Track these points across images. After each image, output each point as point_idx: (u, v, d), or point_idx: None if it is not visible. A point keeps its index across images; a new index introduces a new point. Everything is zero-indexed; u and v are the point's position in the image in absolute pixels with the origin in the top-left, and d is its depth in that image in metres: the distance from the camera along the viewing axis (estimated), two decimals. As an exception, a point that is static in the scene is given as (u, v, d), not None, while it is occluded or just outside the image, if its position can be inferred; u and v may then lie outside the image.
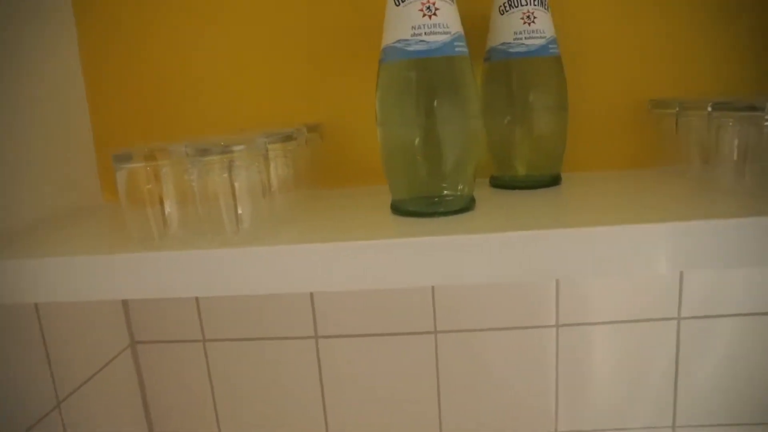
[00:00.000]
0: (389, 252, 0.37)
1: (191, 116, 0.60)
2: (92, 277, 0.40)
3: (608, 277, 0.60)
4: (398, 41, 0.40)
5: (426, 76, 0.40)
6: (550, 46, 0.48)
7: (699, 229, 0.35)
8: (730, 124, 0.42)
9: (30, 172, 0.52)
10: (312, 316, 0.64)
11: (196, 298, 0.65)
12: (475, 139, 0.42)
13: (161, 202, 0.41)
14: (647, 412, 0.64)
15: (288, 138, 0.45)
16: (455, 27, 0.40)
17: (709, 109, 0.44)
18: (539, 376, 0.64)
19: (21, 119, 0.52)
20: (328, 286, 0.38)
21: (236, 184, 0.39)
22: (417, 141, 0.41)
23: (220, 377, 0.67)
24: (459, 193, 0.43)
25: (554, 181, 0.52)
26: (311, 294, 0.63)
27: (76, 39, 0.60)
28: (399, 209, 0.44)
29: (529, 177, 0.51)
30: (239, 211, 0.40)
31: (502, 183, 0.52)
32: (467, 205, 0.43)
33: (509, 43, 0.48)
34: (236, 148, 0.38)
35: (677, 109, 0.49)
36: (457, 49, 0.40)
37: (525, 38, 0.47)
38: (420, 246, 0.37)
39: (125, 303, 0.66)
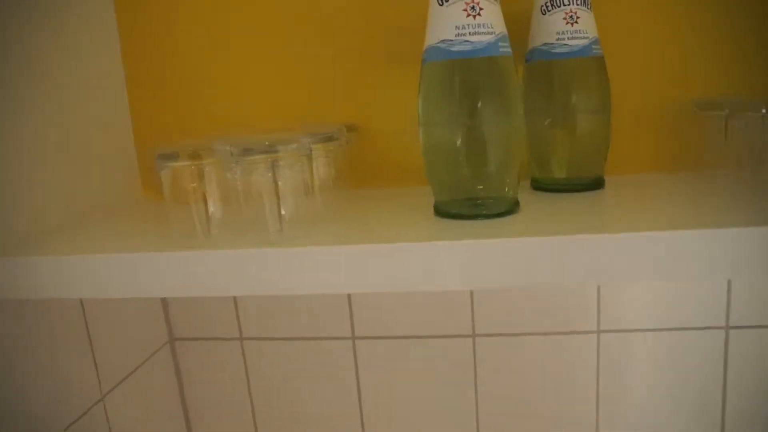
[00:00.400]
0: (432, 254, 0.37)
1: (230, 114, 0.61)
2: (136, 274, 0.41)
3: (652, 283, 0.59)
4: (442, 41, 0.39)
5: (470, 76, 0.40)
6: (593, 46, 0.47)
7: (750, 236, 0.34)
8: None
9: (72, 169, 0.54)
10: (349, 317, 0.64)
11: (234, 296, 0.66)
12: (520, 141, 0.42)
13: (205, 201, 0.42)
14: (691, 423, 0.62)
15: (330, 138, 0.45)
16: (499, 27, 0.40)
17: (764, 111, 0.42)
18: (579, 383, 0.62)
19: (63, 116, 0.53)
20: (372, 288, 0.38)
21: (280, 184, 0.39)
22: (460, 142, 0.40)
23: (257, 375, 0.68)
24: (503, 196, 0.42)
25: (597, 183, 0.51)
26: (348, 295, 0.63)
27: (118, 35, 0.62)
28: (441, 211, 0.43)
29: (571, 180, 0.50)
30: (282, 211, 0.40)
31: (543, 185, 0.51)
32: (511, 208, 0.43)
33: (551, 43, 0.47)
34: (281, 147, 0.39)
35: (727, 111, 0.48)
36: (501, 49, 0.40)
37: (568, 38, 0.47)
38: (463, 249, 0.36)
39: (164, 300, 0.67)
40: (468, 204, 0.42)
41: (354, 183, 0.56)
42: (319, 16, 0.58)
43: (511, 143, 0.41)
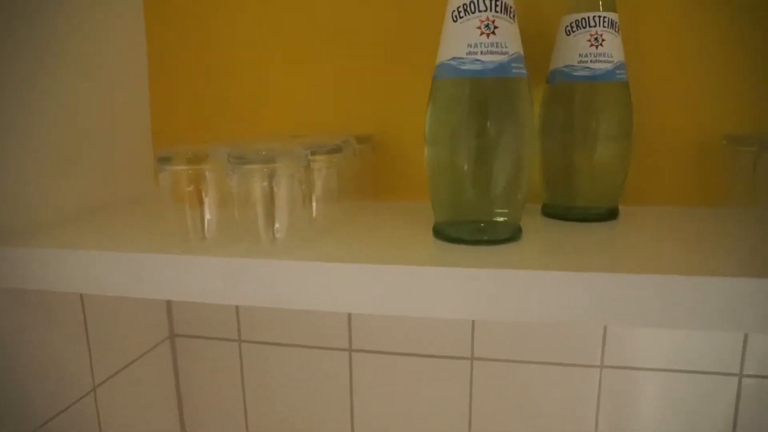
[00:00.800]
0: (425, 279, 0.35)
1: (248, 118, 0.61)
2: (130, 274, 0.40)
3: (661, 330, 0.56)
4: (453, 59, 0.38)
5: (478, 96, 0.38)
6: (618, 71, 0.45)
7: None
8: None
9: (88, 161, 0.54)
10: (348, 329, 0.63)
11: (236, 298, 0.65)
12: (527, 166, 0.40)
13: (201, 206, 0.41)
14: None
15: (334, 150, 0.44)
16: (514, 47, 0.38)
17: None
18: (577, 417, 0.60)
19: (84, 108, 0.53)
20: (361, 308, 0.37)
21: (275, 194, 0.38)
22: (464, 163, 0.39)
23: (253, 378, 0.67)
24: (505, 221, 0.40)
25: (611, 214, 0.48)
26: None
27: (144, 33, 0.62)
28: (441, 233, 0.42)
29: (585, 208, 0.48)
30: (276, 223, 0.39)
31: (554, 213, 0.49)
32: (513, 235, 0.41)
33: (573, 65, 0.45)
34: (278, 158, 0.38)
35: (757, 147, 0.45)
36: (514, 70, 0.38)
37: (591, 61, 0.45)
38: (459, 276, 0.35)
39: (168, 295, 0.67)
40: (469, 228, 0.40)
41: (365, 194, 0.55)
42: (344, 27, 0.57)
43: (518, 168, 0.39)
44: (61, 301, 0.51)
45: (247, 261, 0.38)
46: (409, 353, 0.62)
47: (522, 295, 0.34)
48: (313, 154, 0.41)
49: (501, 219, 0.40)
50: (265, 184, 0.38)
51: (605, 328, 0.57)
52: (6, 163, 0.45)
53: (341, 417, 0.66)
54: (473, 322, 0.60)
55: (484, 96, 0.38)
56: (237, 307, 0.65)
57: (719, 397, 0.57)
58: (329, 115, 0.59)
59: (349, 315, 0.63)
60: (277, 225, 0.39)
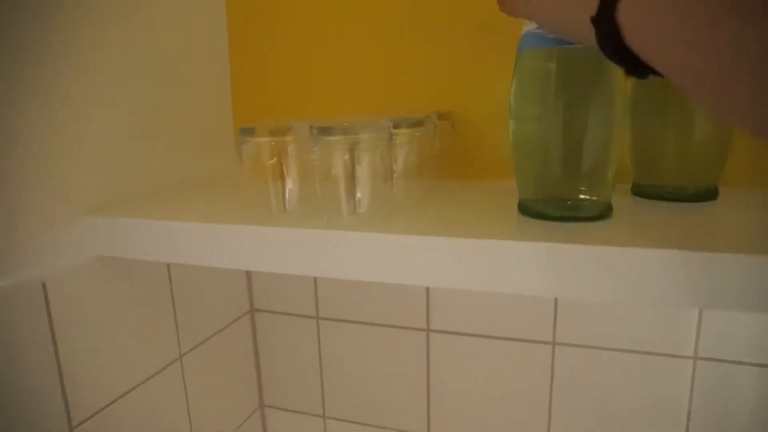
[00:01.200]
0: (512, 254, 0.34)
1: (327, 96, 0.61)
2: (213, 244, 0.41)
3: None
4: (538, 27, 0.36)
5: (566, 67, 0.36)
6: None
7: None
8: None
9: (175, 139, 0.56)
10: (426, 309, 0.62)
11: (315, 277, 0.66)
12: (618, 142, 0.38)
13: (283, 178, 0.42)
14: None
15: (416, 124, 0.43)
16: None
17: None
18: (668, 407, 0.57)
19: (170, 88, 0.55)
20: (444, 283, 0.36)
21: (357, 167, 0.38)
22: (552, 138, 0.37)
23: (330, 354, 0.68)
24: (595, 199, 0.38)
25: (709, 195, 0.45)
26: (427, 287, 0.62)
27: (225, 12, 0.63)
28: (527, 209, 0.40)
29: (679, 188, 0.45)
30: (357, 195, 0.39)
31: (646, 192, 0.47)
32: (604, 213, 0.39)
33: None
34: (360, 130, 0.38)
35: None
36: None
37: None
38: (543, 251, 0.34)
39: (248, 272, 0.69)
40: (556, 205, 0.39)
41: (443, 173, 0.54)
42: (422, 3, 0.56)
43: (607, 143, 0.37)
44: (150, 273, 0.54)
45: (328, 233, 0.38)
46: (489, 335, 0.61)
47: (611, 273, 0.33)
48: (395, 127, 0.41)
49: (588, 196, 0.38)
50: (347, 156, 0.38)
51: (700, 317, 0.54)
52: (98, 139, 0.48)
53: (417, 395, 0.65)
54: (556, 307, 0.57)
55: (571, 67, 0.36)
56: (316, 284, 0.66)
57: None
58: (406, 92, 0.58)
59: (428, 294, 0.62)
60: (358, 197, 0.39)
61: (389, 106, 0.59)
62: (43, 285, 0.43)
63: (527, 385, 0.61)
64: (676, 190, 0.45)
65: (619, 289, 0.33)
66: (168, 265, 0.55)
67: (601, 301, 0.33)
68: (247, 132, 0.40)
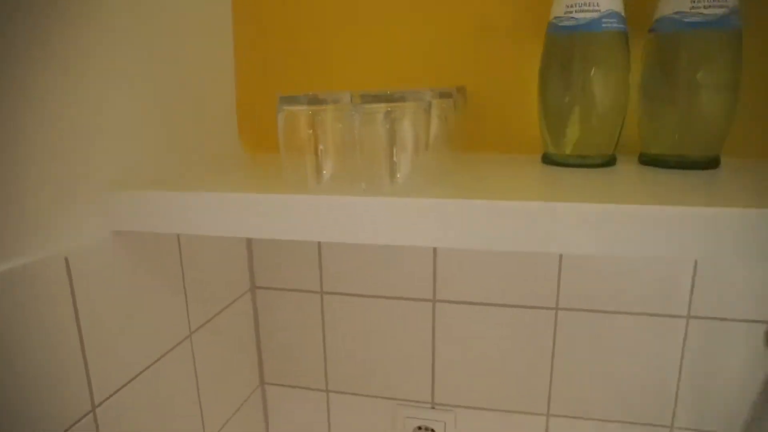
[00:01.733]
0: (548, 216, 0.36)
1: (339, 73, 0.61)
2: (248, 216, 0.41)
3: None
4: (555, 17, 0.47)
5: (570, 49, 0.47)
6: (732, 17, 0.44)
7: None
8: None
9: (176, 123, 0.55)
10: (432, 280, 0.64)
11: (319, 250, 0.67)
12: (618, 106, 0.48)
13: (318, 147, 0.42)
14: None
15: (447, 95, 0.44)
16: (606, 5, 0.45)
17: None
18: (663, 367, 0.61)
19: (172, 64, 0.54)
20: (484, 245, 0.38)
21: (397, 135, 0.39)
22: (560, 106, 0.48)
23: (333, 329, 0.69)
24: (599, 152, 0.50)
25: (711, 163, 0.48)
26: (434, 256, 0.63)
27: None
28: (549, 159, 0.51)
29: (682, 156, 0.48)
30: (396, 161, 0.40)
31: (651, 160, 0.50)
32: (608, 161, 0.50)
33: (683, 12, 0.45)
34: (401, 99, 0.38)
35: None
36: (603, 25, 0.45)
37: (704, 7, 0.44)
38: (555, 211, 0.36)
39: (249, 248, 0.69)
40: (571, 156, 0.50)
41: (459, 145, 0.56)
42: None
43: (608, 109, 0.48)
44: (163, 249, 0.53)
45: (368, 200, 0.39)
46: (493, 303, 0.63)
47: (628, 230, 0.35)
48: (432, 98, 0.42)
49: (596, 151, 0.49)
50: (388, 126, 0.39)
51: (694, 276, 0.58)
52: (118, 118, 0.47)
53: (422, 367, 0.67)
54: (560, 270, 0.60)
55: (574, 48, 0.47)
56: (320, 257, 0.67)
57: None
58: (422, 68, 0.59)
59: (435, 265, 0.63)
60: (397, 162, 0.40)
61: (402, 80, 0.59)
62: (66, 260, 0.42)
63: (531, 351, 0.63)
64: (678, 159, 0.48)
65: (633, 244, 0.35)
66: (179, 241, 0.55)
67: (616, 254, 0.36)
68: (285, 101, 0.40)
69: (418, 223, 0.38)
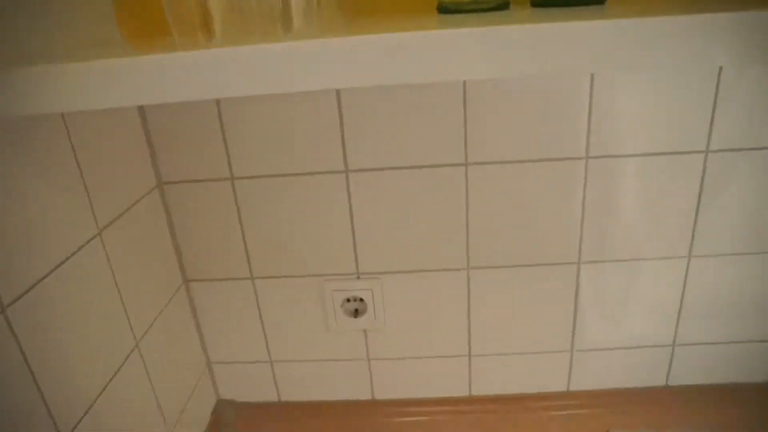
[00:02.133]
0: (440, 44, 0.36)
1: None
2: (137, 79, 0.39)
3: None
4: None
5: None
6: None
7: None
8: None
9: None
10: (342, 149, 0.64)
11: (223, 135, 0.64)
12: None
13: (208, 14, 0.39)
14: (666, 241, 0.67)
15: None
16: None
17: None
18: (566, 209, 0.66)
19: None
20: (386, 79, 0.37)
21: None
22: None
23: (249, 215, 0.68)
24: None
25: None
26: (341, 125, 0.63)
27: None
28: (443, 8, 0.50)
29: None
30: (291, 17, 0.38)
31: (543, 2, 0.51)
32: (502, 4, 0.49)
33: None
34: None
35: None
36: None
37: None
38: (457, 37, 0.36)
39: (151, 145, 0.65)
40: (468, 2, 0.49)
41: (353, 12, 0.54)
42: None
43: None
44: (50, 139, 0.49)
45: (264, 47, 0.37)
46: (403, 166, 0.64)
47: (525, 49, 0.36)
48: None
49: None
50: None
51: (589, 118, 0.61)
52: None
53: (343, 240, 0.69)
54: (466, 129, 0.62)
55: None
56: (226, 142, 0.65)
57: (686, 175, 0.63)
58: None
59: (343, 133, 0.63)
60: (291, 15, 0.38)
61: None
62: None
63: (445, 209, 0.66)
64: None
65: (531, 62, 0.36)
66: (68, 133, 0.51)
67: (514, 74, 0.37)
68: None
69: (319, 65, 0.37)
